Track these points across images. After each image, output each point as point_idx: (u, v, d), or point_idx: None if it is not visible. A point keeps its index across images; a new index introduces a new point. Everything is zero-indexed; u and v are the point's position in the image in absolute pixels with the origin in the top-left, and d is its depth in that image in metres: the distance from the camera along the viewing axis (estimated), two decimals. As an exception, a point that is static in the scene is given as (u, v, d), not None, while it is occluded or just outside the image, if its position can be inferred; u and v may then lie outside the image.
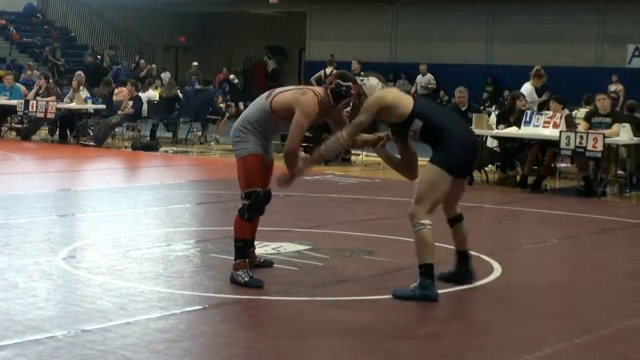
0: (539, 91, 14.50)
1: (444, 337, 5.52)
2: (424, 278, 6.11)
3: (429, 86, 24.27)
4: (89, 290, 6.24)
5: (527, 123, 12.80)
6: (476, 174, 13.52)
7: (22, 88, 19.71)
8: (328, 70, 18.03)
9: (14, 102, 18.65)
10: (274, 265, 7.05)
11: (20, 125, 19.25)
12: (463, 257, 6.65)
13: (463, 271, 6.62)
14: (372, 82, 6.40)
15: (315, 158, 6.52)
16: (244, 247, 6.48)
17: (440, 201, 6.29)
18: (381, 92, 6.33)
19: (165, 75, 26.76)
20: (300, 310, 5.98)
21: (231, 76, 29.44)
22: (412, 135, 6.30)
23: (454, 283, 6.56)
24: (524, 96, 13.45)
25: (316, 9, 31.25)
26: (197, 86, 20.67)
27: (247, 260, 6.48)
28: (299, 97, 6.36)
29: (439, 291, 6.20)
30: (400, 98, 6.28)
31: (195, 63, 29.60)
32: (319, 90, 6.50)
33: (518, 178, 13.02)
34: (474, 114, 13.44)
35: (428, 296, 6.08)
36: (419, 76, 25.46)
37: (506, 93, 22.80)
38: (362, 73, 6.81)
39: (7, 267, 6.80)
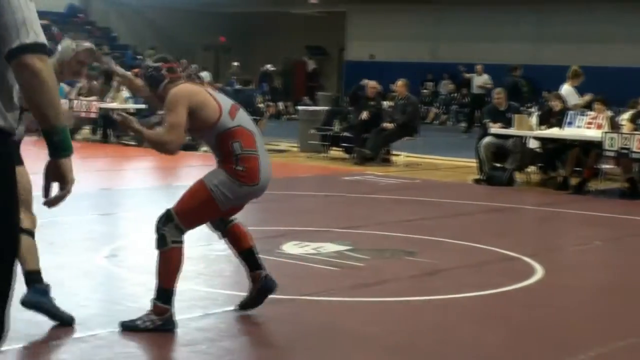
0: (577, 91, 14.34)
1: (483, 339, 5.48)
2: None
3: (487, 86, 24.18)
4: (131, 288, 6.28)
5: (570, 124, 12.68)
6: (518, 175, 13.42)
7: (66, 87, 19.86)
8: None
9: (57, 101, 18.81)
10: (314, 265, 7.04)
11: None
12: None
13: None
14: (64, 43, 5.27)
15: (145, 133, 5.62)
16: None
17: None
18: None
19: (205, 75, 26.87)
20: (339, 310, 5.97)
21: (268, 65, 29.10)
22: None
23: None
24: (560, 97, 13.31)
25: (356, 8, 31.19)
26: (237, 86, 20.69)
27: None
28: None
29: (473, 294, 6.14)
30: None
31: (235, 63, 29.68)
32: None
33: (559, 179, 12.89)
34: (515, 115, 13.34)
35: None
36: (475, 76, 25.33)
37: (545, 94, 22.56)
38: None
39: (55, 266, 6.85)
